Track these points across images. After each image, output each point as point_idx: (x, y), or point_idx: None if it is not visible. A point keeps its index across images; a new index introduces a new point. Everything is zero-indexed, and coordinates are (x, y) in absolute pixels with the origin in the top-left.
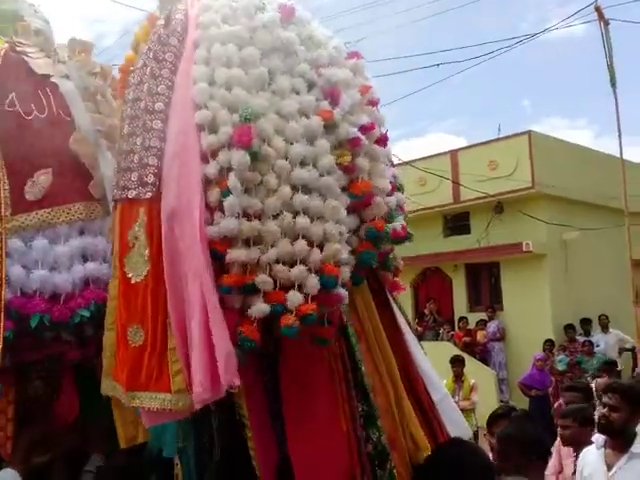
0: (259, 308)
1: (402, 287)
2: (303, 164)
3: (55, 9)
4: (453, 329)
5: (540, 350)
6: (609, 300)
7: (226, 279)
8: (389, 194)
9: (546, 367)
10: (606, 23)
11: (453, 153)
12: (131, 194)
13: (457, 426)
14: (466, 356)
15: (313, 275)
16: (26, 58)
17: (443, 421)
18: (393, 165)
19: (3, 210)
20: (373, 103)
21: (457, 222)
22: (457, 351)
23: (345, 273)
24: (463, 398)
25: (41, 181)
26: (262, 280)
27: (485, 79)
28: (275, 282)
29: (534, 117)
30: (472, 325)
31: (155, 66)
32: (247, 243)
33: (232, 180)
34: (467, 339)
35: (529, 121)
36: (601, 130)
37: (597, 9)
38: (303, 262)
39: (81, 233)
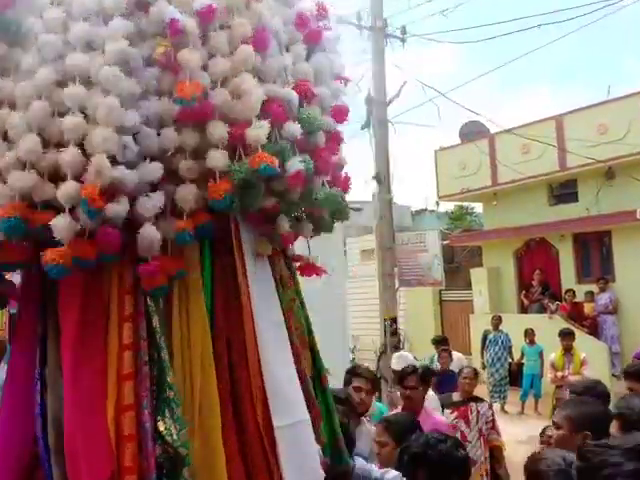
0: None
1: (291, 240)
2: (88, 48)
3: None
4: (560, 302)
5: None
6: None
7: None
8: (277, 120)
9: None
10: None
11: (558, 118)
12: None
13: (304, 460)
14: (574, 329)
15: None
16: None
17: (280, 452)
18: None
19: None
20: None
21: (563, 190)
22: (566, 325)
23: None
24: (573, 372)
25: None
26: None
27: (589, 39)
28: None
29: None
30: (581, 297)
31: None
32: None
33: None
34: (573, 312)
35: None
36: None
37: None
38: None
39: None
